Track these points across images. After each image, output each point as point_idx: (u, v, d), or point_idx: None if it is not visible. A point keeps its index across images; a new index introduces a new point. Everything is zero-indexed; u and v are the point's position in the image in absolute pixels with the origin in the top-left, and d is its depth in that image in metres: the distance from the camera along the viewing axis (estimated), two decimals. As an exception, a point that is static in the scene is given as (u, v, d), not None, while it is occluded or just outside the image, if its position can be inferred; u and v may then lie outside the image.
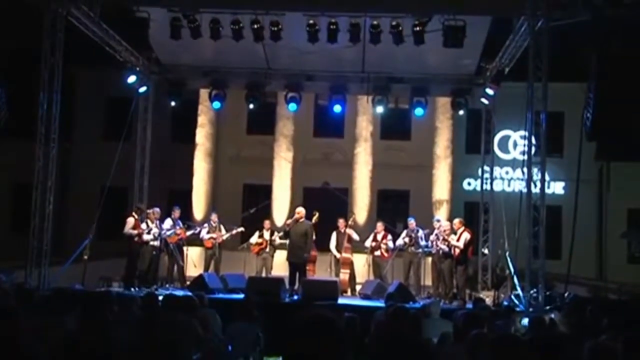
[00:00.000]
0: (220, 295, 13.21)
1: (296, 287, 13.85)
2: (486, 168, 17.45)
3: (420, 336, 6.61)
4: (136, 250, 14.03)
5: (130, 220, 14.13)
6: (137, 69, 16.04)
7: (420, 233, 14.88)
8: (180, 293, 12.62)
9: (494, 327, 7.19)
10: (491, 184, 17.32)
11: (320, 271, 15.83)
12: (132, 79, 15.78)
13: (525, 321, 8.94)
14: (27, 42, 15.59)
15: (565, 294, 12.39)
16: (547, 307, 11.78)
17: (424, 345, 6.32)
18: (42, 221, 12.88)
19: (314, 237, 14.62)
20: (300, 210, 14.55)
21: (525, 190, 13.02)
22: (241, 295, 12.64)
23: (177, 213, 15.23)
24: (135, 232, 14.01)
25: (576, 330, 7.22)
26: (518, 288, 13.11)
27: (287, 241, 14.67)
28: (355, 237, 15.66)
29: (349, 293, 15.19)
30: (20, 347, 5.00)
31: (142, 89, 16.28)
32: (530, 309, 11.87)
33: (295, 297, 13.37)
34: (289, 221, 14.90)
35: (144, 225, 14.21)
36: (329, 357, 2.19)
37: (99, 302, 8.82)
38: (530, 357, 4.35)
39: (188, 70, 16.69)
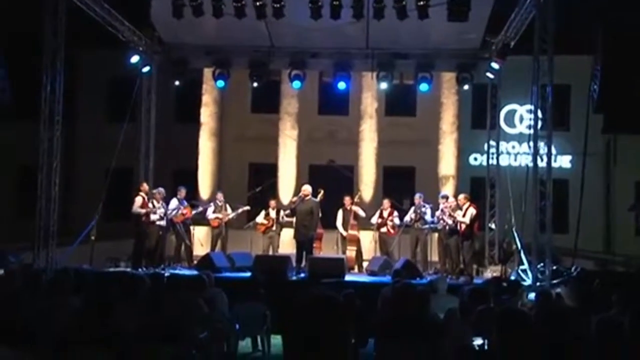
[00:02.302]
0: (227, 274, 13.25)
1: (303, 264, 13.87)
2: (492, 143, 17.34)
3: (427, 312, 6.61)
4: (143, 230, 14.05)
5: (139, 199, 14.15)
6: (140, 48, 15.94)
7: (426, 209, 14.84)
8: (187, 272, 12.73)
9: (500, 302, 7.18)
10: (497, 158, 17.23)
11: (327, 249, 15.85)
12: (135, 59, 15.68)
13: (532, 295, 8.92)
14: (29, 23, 15.50)
15: (573, 268, 12.38)
16: (554, 281, 11.77)
17: (430, 321, 6.33)
18: (48, 203, 12.89)
19: (320, 214, 14.63)
20: (306, 188, 14.54)
21: (531, 164, 12.96)
22: (248, 274, 12.69)
23: (182, 193, 15.21)
24: (144, 210, 14.03)
25: (583, 304, 7.20)
26: (525, 262, 13.10)
27: (294, 219, 14.67)
28: (362, 214, 15.65)
29: (355, 270, 15.22)
30: (25, 328, 5.03)
31: (145, 69, 16.17)
32: (537, 283, 11.86)
33: (302, 275, 13.39)
34: (295, 199, 14.90)
35: (150, 205, 14.23)
36: (329, 336, 2.17)
37: (105, 282, 8.86)
38: (537, 331, 4.34)
39: (191, 50, 16.55)
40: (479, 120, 19.37)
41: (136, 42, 15.83)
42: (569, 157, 21.56)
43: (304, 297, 2.25)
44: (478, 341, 4.74)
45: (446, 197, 14.71)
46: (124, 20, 14.99)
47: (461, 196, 14.31)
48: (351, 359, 2.27)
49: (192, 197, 17.54)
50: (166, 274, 12.04)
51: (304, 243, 14.27)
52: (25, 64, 15.94)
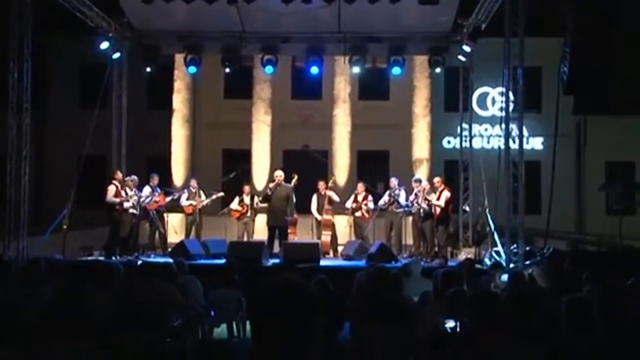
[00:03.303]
0: (202, 261, 13.21)
1: (277, 250, 13.90)
2: (465, 126, 17.44)
3: (400, 295, 6.65)
4: (117, 219, 13.94)
5: (112, 189, 14.02)
6: (110, 34, 15.72)
7: (400, 192, 14.90)
8: (162, 260, 12.66)
9: (473, 284, 7.25)
10: (470, 141, 17.33)
11: (302, 234, 15.84)
12: (104, 45, 15.48)
13: (505, 277, 9.02)
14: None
15: (545, 249, 12.52)
16: (527, 262, 11.90)
17: (404, 304, 6.37)
18: (19, 192, 12.74)
19: (294, 200, 14.68)
20: (280, 174, 14.57)
21: (503, 146, 13.05)
22: (223, 261, 12.66)
23: (155, 180, 15.12)
24: (117, 200, 13.92)
25: (554, 284, 7.29)
26: (498, 244, 13.22)
27: (266, 205, 14.70)
28: (336, 198, 15.66)
29: (331, 255, 15.25)
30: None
31: (116, 55, 15.98)
32: (511, 265, 11.98)
33: (277, 261, 13.39)
34: (272, 185, 14.87)
35: (123, 193, 14.11)
36: (296, 324, 2.17)
37: (78, 271, 8.77)
38: (508, 312, 4.38)
39: (162, 35, 16.36)
40: (452, 103, 19.45)
41: (105, 27, 15.60)
42: (540, 139, 21.75)
43: (270, 284, 2.24)
44: (450, 323, 4.78)
45: (419, 181, 14.79)
46: (92, 6, 14.75)
47: (436, 179, 14.40)
48: (319, 347, 2.26)
49: (166, 184, 17.42)
50: (140, 262, 11.98)
51: (280, 228, 14.33)
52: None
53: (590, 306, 4.27)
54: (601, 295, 4.17)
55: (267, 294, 2.20)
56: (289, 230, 14.85)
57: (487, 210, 14.75)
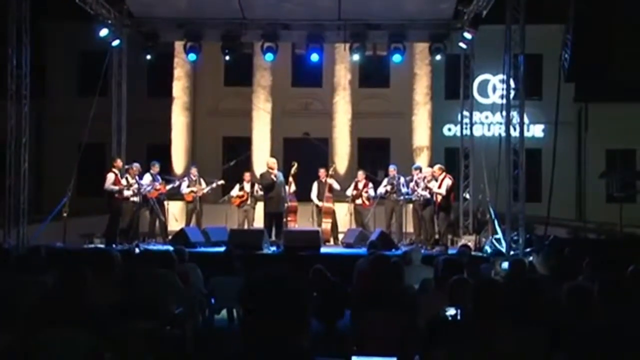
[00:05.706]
0: (202, 249, 13.22)
1: (276, 238, 13.93)
2: (465, 113, 17.37)
3: (401, 283, 6.65)
4: (117, 206, 13.92)
5: (111, 176, 13.99)
6: (109, 22, 15.63)
7: (402, 180, 14.89)
8: (162, 248, 12.66)
9: (474, 271, 7.24)
10: (471, 129, 17.25)
11: (302, 221, 15.87)
12: (104, 32, 15.38)
13: (506, 264, 9.02)
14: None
15: (545, 236, 12.51)
16: (528, 250, 11.90)
17: (404, 292, 6.37)
18: (18, 179, 12.71)
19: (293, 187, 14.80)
20: (274, 162, 14.70)
21: (504, 134, 13.02)
22: (223, 248, 12.65)
23: (156, 168, 15.08)
24: (117, 188, 13.89)
25: (555, 272, 7.29)
26: (499, 232, 13.21)
27: (262, 193, 14.78)
28: (336, 186, 15.66)
29: (331, 242, 15.27)
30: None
31: (115, 43, 15.89)
32: (511, 252, 11.98)
33: (277, 248, 13.38)
34: (273, 173, 14.75)
35: (124, 181, 14.09)
36: (284, 315, 2.18)
37: (78, 259, 8.78)
38: (509, 300, 4.38)
39: (161, 22, 16.26)
40: (452, 90, 19.38)
41: (105, 15, 15.50)
42: (541, 126, 21.72)
43: (259, 277, 2.25)
44: (451, 311, 4.78)
45: (419, 169, 14.78)
46: (91, -7, 14.69)
47: (436, 167, 14.35)
48: (308, 338, 2.27)
49: (166, 172, 17.40)
50: (140, 250, 11.97)
51: (279, 215, 14.36)
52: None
53: (590, 293, 4.27)
54: (602, 283, 4.16)
55: (256, 287, 2.21)
56: (289, 218, 14.87)
57: (487, 198, 14.73)
